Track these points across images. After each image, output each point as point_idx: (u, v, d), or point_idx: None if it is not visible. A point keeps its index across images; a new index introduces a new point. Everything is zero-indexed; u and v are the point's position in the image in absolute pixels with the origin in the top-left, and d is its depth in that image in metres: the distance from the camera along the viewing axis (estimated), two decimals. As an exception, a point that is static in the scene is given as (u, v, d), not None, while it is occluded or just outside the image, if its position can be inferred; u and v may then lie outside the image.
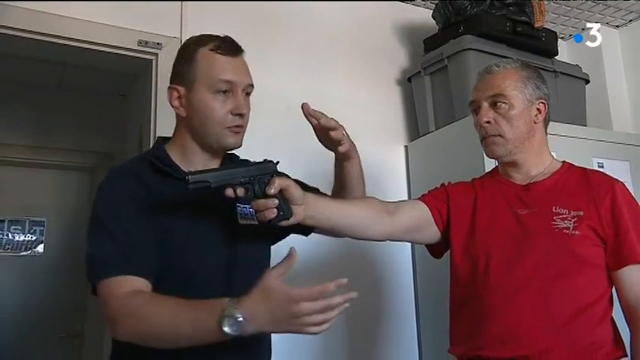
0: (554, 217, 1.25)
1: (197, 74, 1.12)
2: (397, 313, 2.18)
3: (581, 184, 1.30)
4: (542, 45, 2.25)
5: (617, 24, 2.72)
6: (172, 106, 1.16)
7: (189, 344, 0.93)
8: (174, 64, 1.18)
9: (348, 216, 1.23)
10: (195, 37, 1.19)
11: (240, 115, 1.13)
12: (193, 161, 1.16)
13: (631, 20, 2.69)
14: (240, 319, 0.86)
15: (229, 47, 1.15)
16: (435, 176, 2.16)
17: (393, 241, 1.42)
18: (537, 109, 1.32)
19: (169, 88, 1.16)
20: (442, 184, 1.46)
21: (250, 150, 2.01)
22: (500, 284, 1.23)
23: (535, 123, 1.32)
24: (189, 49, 1.15)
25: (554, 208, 1.26)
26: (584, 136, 2.14)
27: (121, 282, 0.99)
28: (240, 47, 1.18)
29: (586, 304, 1.21)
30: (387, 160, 2.31)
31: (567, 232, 1.23)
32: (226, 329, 0.86)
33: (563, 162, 1.38)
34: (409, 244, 2.20)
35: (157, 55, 1.95)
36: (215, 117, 1.11)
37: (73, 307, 3.19)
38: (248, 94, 1.17)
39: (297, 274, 1.93)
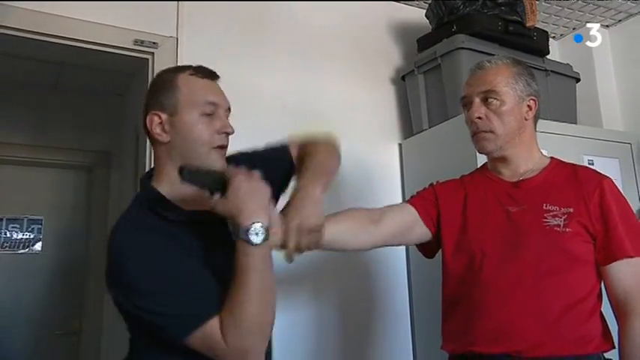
0: (545, 215, 1.26)
1: (180, 98, 1.11)
2: (391, 313, 2.20)
3: (570, 181, 1.31)
4: (534, 44, 2.28)
5: (607, 23, 2.75)
6: (153, 133, 1.13)
7: (271, 283, 1.01)
8: (149, 94, 1.16)
9: (327, 234, 1.20)
10: (167, 68, 1.21)
11: (227, 134, 1.14)
12: (184, 194, 1.11)
13: (620, 20, 2.72)
14: (260, 225, 0.98)
15: (207, 71, 1.16)
16: (428, 173, 2.19)
17: (382, 247, 1.43)
18: (528, 105, 1.34)
19: (149, 114, 1.13)
20: (430, 184, 1.47)
21: (248, 149, 2.03)
22: (493, 282, 1.25)
23: (525, 119, 1.33)
24: (167, 77, 1.15)
25: (544, 205, 1.27)
26: (574, 133, 2.17)
27: (208, 328, 0.97)
28: (212, 71, 1.18)
29: (576, 300, 1.23)
30: (381, 158, 2.33)
31: (558, 229, 1.24)
32: (253, 239, 0.97)
33: (552, 158, 1.39)
34: (404, 261, 2.24)
35: (153, 54, 1.96)
36: (203, 137, 1.11)
37: (71, 304, 3.21)
38: (227, 114, 1.18)
39: (292, 274, 1.97)
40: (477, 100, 1.32)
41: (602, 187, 1.28)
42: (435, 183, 1.47)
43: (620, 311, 1.25)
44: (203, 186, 1.04)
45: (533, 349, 1.19)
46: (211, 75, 1.17)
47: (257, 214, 0.99)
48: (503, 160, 1.35)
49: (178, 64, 1.98)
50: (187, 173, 1.03)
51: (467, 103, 1.36)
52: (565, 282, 1.23)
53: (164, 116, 1.12)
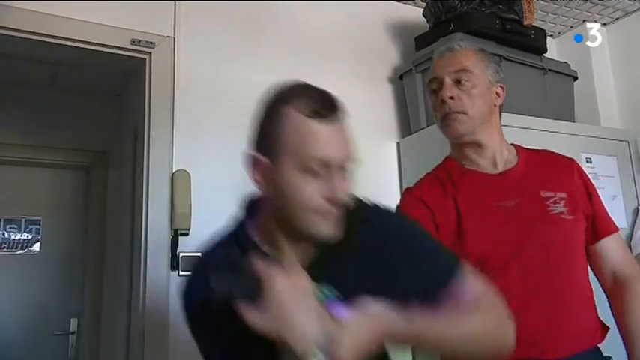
0: (546, 202, 1.21)
1: (282, 144, 0.86)
2: None
3: (549, 165, 1.29)
4: (531, 42, 2.28)
5: (604, 22, 2.75)
6: (252, 180, 0.90)
7: None
8: (258, 121, 0.92)
9: None
10: (281, 89, 0.94)
11: (335, 203, 0.86)
12: (277, 245, 0.91)
13: (618, 18, 2.72)
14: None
15: (325, 108, 0.87)
16: (426, 172, 2.19)
17: None
18: (496, 92, 1.30)
19: (250, 155, 0.91)
20: (410, 194, 1.32)
21: (242, 149, 2.03)
22: (507, 284, 1.13)
23: (494, 106, 1.30)
24: (275, 107, 0.90)
25: (541, 192, 1.22)
26: (572, 132, 2.17)
27: None
28: (336, 104, 0.89)
29: (585, 288, 1.21)
30: (379, 157, 2.33)
31: (563, 216, 1.20)
32: None
33: (514, 145, 1.34)
34: None
35: (150, 54, 1.96)
36: (301, 200, 0.85)
37: (69, 305, 3.21)
38: (343, 168, 0.89)
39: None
40: (449, 80, 1.26)
41: (577, 166, 1.29)
42: (416, 194, 1.29)
43: (618, 280, 1.24)
44: (233, 296, 0.78)
45: (560, 349, 1.13)
46: (330, 113, 0.87)
47: (309, 332, 0.75)
48: (478, 146, 1.28)
49: (176, 64, 1.98)
50: (213, 284, 0.79)
51: (436, 87, 1.29)
52: (576, 271, 1.20)
53: (265, 162, 0.87)
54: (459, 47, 1.31)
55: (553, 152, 1.36)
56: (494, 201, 1.23)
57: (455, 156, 1.34)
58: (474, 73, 1.26)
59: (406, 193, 1.34)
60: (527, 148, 1.35)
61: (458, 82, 1.26)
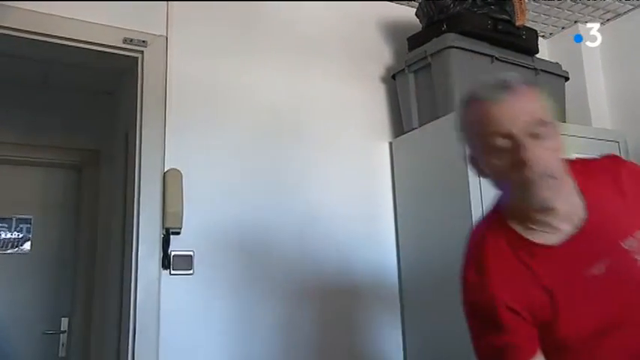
0: (634, 256, 1.00)
1: None
2: (383, 323, 2.20)
3: (609, 192, 1.04)
4: (523, 43, 2.30)
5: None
6: None
7: None
8: None
9: None
10: None
11: None
12: None
13: (609, 19, 2.74)
14: None
15: None
16: (418, 172, 2.21)
17: None
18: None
19: None
20: (501, 306, 1.00)
21: (238, 148, 2.03)
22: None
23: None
24: None
25: (622, 243, 1.00)
26: (563, 132, 2.18)
27: None
28: None
29: None
30: (371, 157, 2.34)
31: None
32: None
33: (566, 165, 1.03)
34: (395, 257, 2.25)
35: (142, 52, 1.96)
36: None
37: (60, 304, 3.20)
38: None
39: (292, 273, 1.98)
40: (523, 135, 0.94)
41: (625, 171, 1.06)
42: (502, 299, 1.00)
43: None
44: None
45: None
46: None
47: None
48: (552, 212, 1.00)
49: (168, 62, 1.99)
50: None
51: (505, 143, 0.95)
52: None
53: None
54: (515, 84, 0.99)
55: (595, 163, 1.12)
56: (581, 271, 1.01)
57: (514, 217, 1.05)
58: (548, 124, 0.96)
59: (482, 294, 1.03)
60: (575, 167, 1.06)
61: (535, 135, 0.94)
